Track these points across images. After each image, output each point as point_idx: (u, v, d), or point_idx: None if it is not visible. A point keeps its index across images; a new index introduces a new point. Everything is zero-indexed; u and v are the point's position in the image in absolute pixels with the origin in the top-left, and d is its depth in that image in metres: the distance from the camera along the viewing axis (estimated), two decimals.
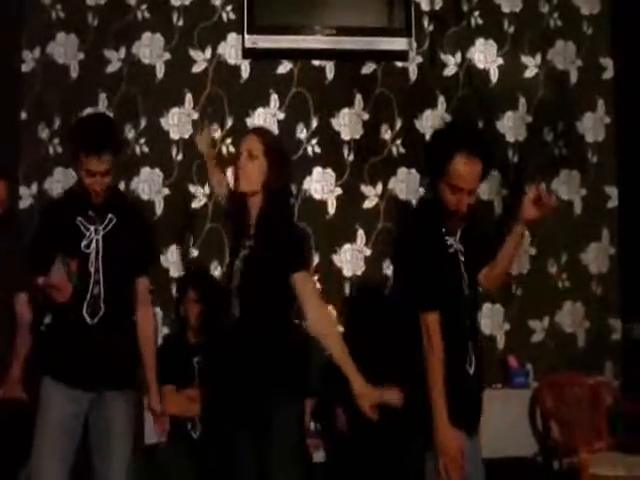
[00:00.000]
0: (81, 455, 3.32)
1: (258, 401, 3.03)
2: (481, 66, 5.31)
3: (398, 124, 5.20)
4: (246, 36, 4.98)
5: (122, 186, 4.93)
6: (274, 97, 5.13)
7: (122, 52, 5.08)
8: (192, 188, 5.02)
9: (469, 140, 3.07)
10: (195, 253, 4.99)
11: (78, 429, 3.30)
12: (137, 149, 5.03)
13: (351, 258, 5.07)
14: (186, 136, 5.05)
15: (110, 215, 3.33)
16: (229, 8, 5.15)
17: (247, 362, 3.07)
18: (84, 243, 3.28)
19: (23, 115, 5.00)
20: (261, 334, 3.06)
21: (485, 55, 5.32)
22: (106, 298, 3.27)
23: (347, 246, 5.07)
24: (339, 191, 5.12)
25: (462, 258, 3.10)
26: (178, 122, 5.07)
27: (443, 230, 3.07)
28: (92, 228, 3.30)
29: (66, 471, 3.24)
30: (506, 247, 3.21)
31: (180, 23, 5.13)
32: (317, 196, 5.10)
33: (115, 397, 3.32)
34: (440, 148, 3.09)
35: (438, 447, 2.87)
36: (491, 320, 5.07)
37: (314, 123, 5.14)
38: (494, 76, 5.32)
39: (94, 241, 3.29)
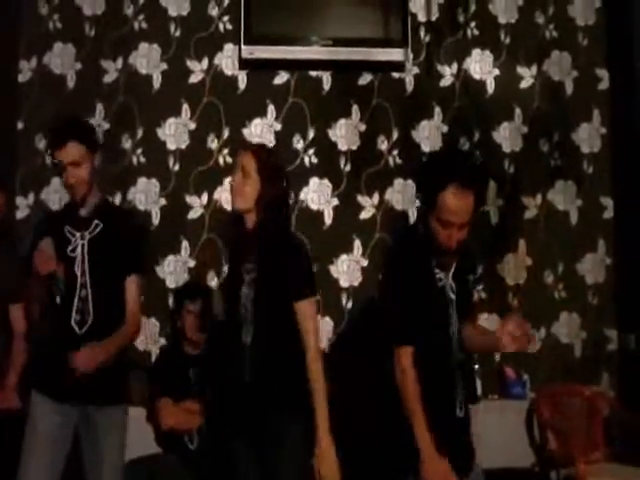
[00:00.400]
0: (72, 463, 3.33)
1: (266, 422, 3.00)
2: (477, 77, 5.32)
3: (395, 135, 5.20)
4: (243, 47, 4.98)
5: (119, 196, 4.96)
6: (271, 108, 5.13)
7: (119, 62, 5.09)
8: (189, 198, 5.02)
9: (461, 172, 2.93)
10: (192, 264, 4.98)
11: (67, 439, 3.33)
12: (134, 159, 5.02)
13: (348, 269, 5.05)
14: (183, 146, 5.06)
15: (96, 221, 3.39)
16: (226, 19, 5.16)
17: (258, 385, 3.03)
18: (69, 248, 3.33)
19: (20, 125, 4.99)
20: (274, 359, 3.03)
21: (481, 66, 5.33)
22: (94, 302, 3.30)
23: (344, 257, 5.05)
24: (336, 202, 5.11)
25: (452, 295, 3.04)
26: (175, 132, 5.06)
27: (433, 263, 3.00)
28: (78, 234, 3.36)
29: None
30: (480, 345, 3.20)
31: (177, 34, 5.14)
32: (314, 206, 5.09)
33: (104, 412, 3.33)
34: (431, 179, 2.99)
35: (427, 478, 2.83)
36: None
37: (311, 134, 5.14)
38: (490, 87, 5.32)
39: (79, 246, 3.34)
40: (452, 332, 3.03)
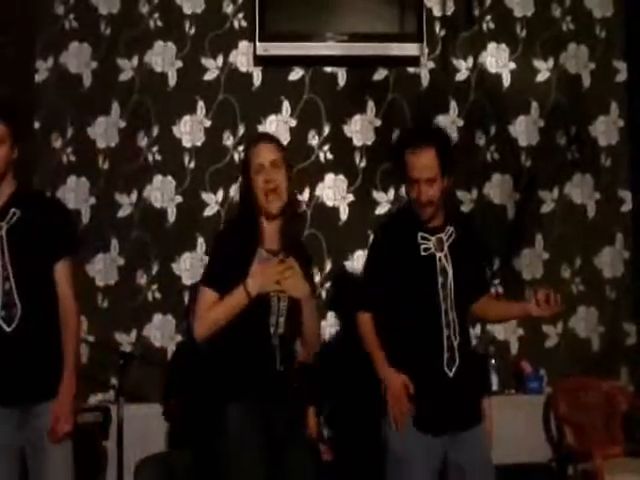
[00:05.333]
0: None
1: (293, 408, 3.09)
2: (493, 71, 5.29)
3: None
4: (257, 43, 4.99)
5: (135, 194, 5.00)
6: (286, 104, 5.14)
7: (134, 61, 5.11)
8: (204, 196, 5.04)
9: (414, 133, 3.34)
10: (207, 260, 5.00)
11: (14, 453, 3.11)
12: (149, 157, 5.05)
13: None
14: (198, 144, 5.08)
15: (13, 209, 3.14)
16: (240, 16, 5.17)
17: (287, 373, 3.07)
18: None
19: (36, 124, 5.03)
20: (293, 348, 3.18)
21: (497, 59, 5.30)
22: (20, 294, 3.08)
23: (359, 252, 5.04)
24: (351, 197, 5.12)
25: (446, 264, 3.18)
26: (190, 130, 5.09)
27: (419, 234, 3.18)
28: None
29: None
30: (505, 312, 3.44)
31: (192, 31, 5.15)
32: (329, 202, 5.10)
33: (46, 410, 3.10)
34: (397, 152, 3.27)
35: (383, 385, 3.13)
36: (504, 325, 5.00)
37: (326, 130, 5.14)
38: (506, 80, 5.29)
39: None
40: (437, 296, 3.15)
